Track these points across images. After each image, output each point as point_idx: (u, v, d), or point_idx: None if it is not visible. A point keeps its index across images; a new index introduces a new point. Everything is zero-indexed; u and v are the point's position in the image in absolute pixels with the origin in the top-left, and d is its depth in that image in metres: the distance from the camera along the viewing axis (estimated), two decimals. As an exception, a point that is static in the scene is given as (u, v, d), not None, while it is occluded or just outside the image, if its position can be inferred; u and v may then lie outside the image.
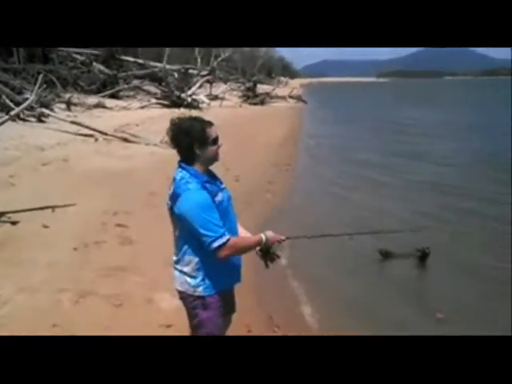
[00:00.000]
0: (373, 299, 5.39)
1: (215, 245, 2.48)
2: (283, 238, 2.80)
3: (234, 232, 2.69)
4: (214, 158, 2.64)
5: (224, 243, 2.49)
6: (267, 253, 2.78)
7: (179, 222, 2.57)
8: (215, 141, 2.60)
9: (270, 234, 2.73)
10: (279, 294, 5.40)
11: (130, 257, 5.55)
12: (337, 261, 6.42)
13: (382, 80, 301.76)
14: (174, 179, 2.60)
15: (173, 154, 2.63)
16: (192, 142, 2.54)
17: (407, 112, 30.76)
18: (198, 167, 2.59)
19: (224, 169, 9.66)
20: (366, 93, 72.93)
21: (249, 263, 3.08)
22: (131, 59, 29.63)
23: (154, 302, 4.51)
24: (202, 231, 2.47)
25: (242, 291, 3.06)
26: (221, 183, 2.72)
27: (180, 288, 2.70)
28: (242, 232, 2.86)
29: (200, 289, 2.63)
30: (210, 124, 2.62)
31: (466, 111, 31.38)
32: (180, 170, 2.60)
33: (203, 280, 2.62)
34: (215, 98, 29.69)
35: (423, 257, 6.26)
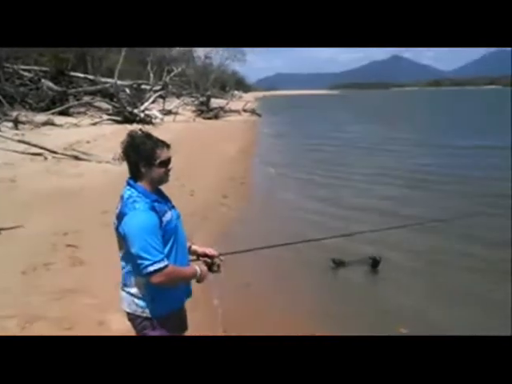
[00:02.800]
0: (331, 305, 5.55)
1: (151, 269, 2.41)
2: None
3: (183, 249, 2.67)
4: (161, 180, 2.59)
5: (161, 268, 2.42)
6: (210, 269, 2.83)
7: (124, 241, 2.49)
8: (163, 163, 2.53)
9: (203, 269, 2.73)
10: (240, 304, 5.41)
11: (81, 278, 5.41)
12: (290, 270, 6.52)
13: (332, 92, 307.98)
14: (122, 197, 2.53)
15: (126, 172, 2.59)
16: (138, 159, 2.50)
17: (352, 126, 30.73)
18: (145, 185, 2.54)
19: (179, 184, 9.60)
20: (318, 105, 74.27)
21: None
22: (81, 75, 29.12)
23: (105, 324, 4.41)
24: (140, 253, 2.40)
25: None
26: (170, 202, 2.68)
27: (128, 309, 2.63)
28: (198, 248, 2.89)
29: (148, 310, 2.57)
30: (163, 145, 2.55)
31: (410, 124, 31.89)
32: (128, 187, 2.54)
33: (152, 301, 2.56)
34: (168, 112, 29.57)
35: (375, 264, 6.45)
